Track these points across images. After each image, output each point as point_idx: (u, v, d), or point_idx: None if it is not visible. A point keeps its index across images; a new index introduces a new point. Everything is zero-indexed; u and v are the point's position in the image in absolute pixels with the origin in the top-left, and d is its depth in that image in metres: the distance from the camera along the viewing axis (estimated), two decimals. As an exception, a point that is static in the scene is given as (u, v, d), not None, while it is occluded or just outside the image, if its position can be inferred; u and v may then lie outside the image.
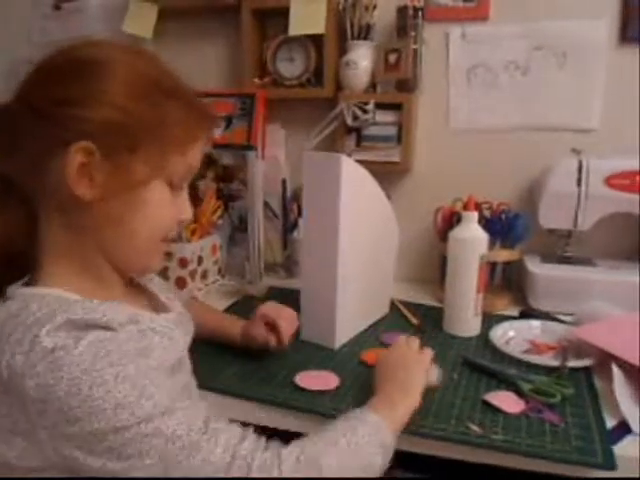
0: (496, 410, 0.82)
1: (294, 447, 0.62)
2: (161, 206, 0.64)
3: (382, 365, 0.84)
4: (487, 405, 0.84)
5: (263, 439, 0.62)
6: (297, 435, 0.66)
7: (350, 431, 0.66)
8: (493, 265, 1.28)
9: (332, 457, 0.62)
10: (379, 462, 0.66)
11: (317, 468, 0.60)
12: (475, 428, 0.77)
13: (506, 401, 0.84)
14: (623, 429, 0.79)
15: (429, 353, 0.86)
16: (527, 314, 1.20)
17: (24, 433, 0.54)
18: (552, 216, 1.25)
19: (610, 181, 1.19)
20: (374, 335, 1.11)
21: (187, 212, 0.70)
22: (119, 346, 0.55)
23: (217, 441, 0.57)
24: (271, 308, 1.01)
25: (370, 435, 0.67)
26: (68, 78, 0.58)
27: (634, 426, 0.78)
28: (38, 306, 0.55)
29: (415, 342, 0.88)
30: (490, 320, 1.13)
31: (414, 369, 0.81)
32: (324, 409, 0.83)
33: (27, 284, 0.62)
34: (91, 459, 0.53)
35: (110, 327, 0.56)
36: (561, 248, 1.30)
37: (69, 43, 0.61)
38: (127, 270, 0.69)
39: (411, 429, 0.77)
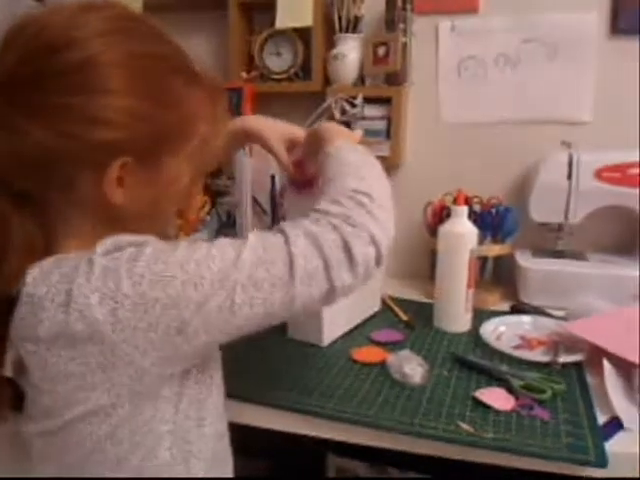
0: (486, 407, 0.81)
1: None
2: (183, 182, 0.65)
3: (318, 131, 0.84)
4: (477, 402, 0.83)
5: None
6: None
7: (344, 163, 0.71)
8: (484, 260, 1.27)
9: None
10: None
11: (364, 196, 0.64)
12: (466, 427, 0.76)
13: (497, 398, 0.83)
14: (615, 425, 0.78)
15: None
16: (518, 309, 1.19)
17: (101, 381, 0.54)
18: (543, 210, 1.24)
19: (600, 174, 1.18)
20: (364, 332, 1.09)
21: None
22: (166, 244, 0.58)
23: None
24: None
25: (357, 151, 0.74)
26: (79, 89, 0.54)
27: (626, 422, 0.77)
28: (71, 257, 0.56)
29: None
30: (481, 315, 1.12)
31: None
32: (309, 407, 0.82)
33: None
34: (210, 335, 0.56)
35: (141, 242, 0.57)
36: (552, 242, 1.28)
37: (47, 34, 0.55)
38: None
39: (401, 428, 0.76)
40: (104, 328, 0.52)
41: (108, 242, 0.56)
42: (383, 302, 1.24)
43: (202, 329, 0.55)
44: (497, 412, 0.80)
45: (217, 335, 0.57)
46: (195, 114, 0.62)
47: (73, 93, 0.54)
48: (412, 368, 0.88)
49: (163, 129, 0.59)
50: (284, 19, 1.38)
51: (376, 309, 1.21)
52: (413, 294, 1.32)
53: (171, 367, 0.58)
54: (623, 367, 0.87)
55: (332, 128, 0.83)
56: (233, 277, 0.55)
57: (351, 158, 0.72)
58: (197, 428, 0.63)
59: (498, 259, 1.29)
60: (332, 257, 0.59)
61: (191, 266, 0.55)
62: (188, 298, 0.54)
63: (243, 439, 0.89)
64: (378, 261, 0.63)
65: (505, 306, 1.23)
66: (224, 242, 0.59)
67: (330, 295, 0.60)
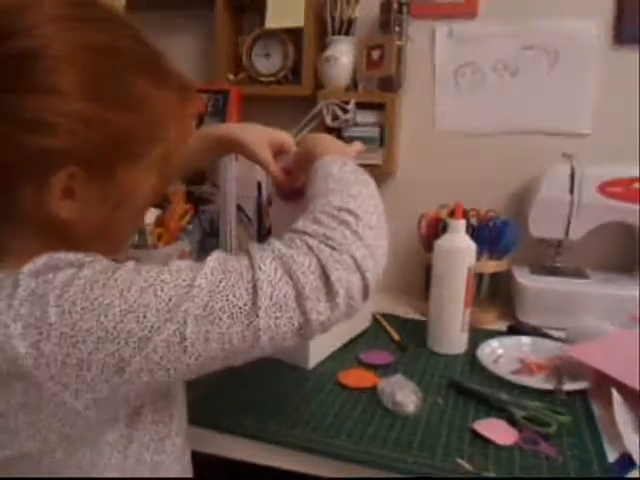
0: (486, 441, 0.74)
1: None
2: (144, 194, 0.57)
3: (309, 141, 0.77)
4: (476, 434, 0.76)
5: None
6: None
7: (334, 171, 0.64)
8: (480, 277, 1.20)
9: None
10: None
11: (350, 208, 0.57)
12: (465, 464, 0.69)
13: (497, 431, 0.76)
14: (626, 462, 0.71)
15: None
16: (516, 329, 1.13)
17: (24, 423, 0.47)
18: (543, 224, 1.18)
19: (604, 189, 1.12)
20: (353, 353, 1.01)
21: None
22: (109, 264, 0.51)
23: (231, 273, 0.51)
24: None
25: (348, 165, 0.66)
26: (17, 87, 0.46)
27: (639, 459, 0.71)
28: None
29: None
30: (477, 335, 1.05)
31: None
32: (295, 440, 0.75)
33: None
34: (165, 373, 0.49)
35: (83, 263, 0.50)
36: (552, 259, 1.22)
37: None
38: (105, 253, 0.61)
39: (393, 466, 0.69)
40: (26, 362, 0.44)
41: (40, 261, 0.48)
42: (374, 319, 1.17)
43: (146, 369, 0.47)
44: (498, 447, 0.73)
45: (164, 376, 0.49)
46: (160, 118, 0.54)
47: (10, 91, 0.46)
48: (405, 396, 0.81)
49: (120, 136, 0.51)
50: (274, 19, 1.32)
51: (367, 325, 1.13)
52: (406, 311, 1.25)
53: (111, 411, 0.50)
54: (632, 397, 0.81)
55: (324, 140, 0.75)
56: (184, 307, 0.47)
57: (341, 174, 0.63)
58: (152, 472, 0.56)
59: (494, 276, 1.23)
60: (306, 284, 0.51)
61: (133, 293, 0.47)
62: (128, 331, 0.46)
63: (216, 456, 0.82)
64: (364, 292, 0.55)
65: (502, 325, 1.17)
66: (180, 265, 0.51)
67: (304, 330, 0.52)
